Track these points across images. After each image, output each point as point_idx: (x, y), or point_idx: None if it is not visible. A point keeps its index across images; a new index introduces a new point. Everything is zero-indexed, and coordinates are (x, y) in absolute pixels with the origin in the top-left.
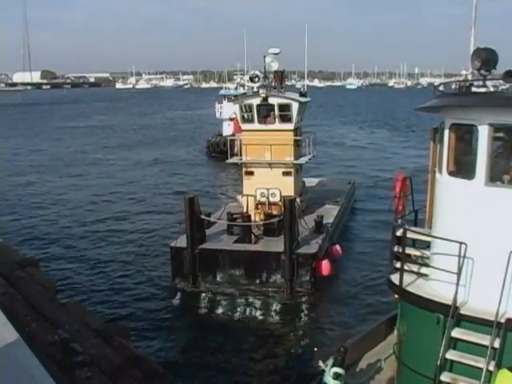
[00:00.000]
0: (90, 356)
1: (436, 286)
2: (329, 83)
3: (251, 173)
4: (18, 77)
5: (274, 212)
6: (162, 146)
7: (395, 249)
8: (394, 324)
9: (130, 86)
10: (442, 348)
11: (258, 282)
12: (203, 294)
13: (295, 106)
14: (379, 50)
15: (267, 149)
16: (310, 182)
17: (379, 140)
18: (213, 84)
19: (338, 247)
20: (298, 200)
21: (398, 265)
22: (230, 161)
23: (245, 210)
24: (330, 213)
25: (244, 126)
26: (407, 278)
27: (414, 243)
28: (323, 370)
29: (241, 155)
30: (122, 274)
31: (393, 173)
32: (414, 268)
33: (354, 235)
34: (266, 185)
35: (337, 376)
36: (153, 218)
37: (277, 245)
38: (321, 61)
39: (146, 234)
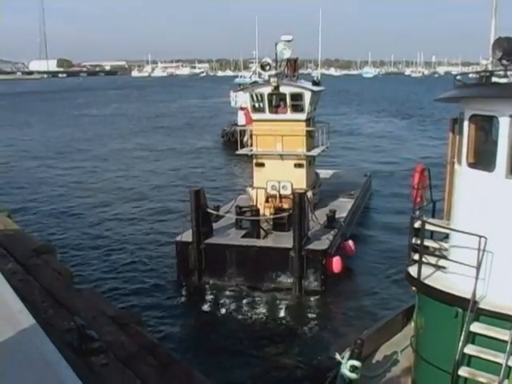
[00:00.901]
0: (105, 343)
1: (454, 279)
2: (345, 72)
3: (262, 164)
4: (35, 65)
5: (285, 205)
6: (177, 134)
7: (413, 241)
8: (411, 315)
9: (146, 74)
10: (461, 342)
11: (265, 278)
12: (209, 291)
13: (308, 96)
14: (396, 39)
15: (278, 140)
16: (325, 173)
17: (396, 129)
18: (229, 72)
19: (350, 243)
20: (309, 193)
21: (416, 257)
22: (239, 152)
23: (255, 203)
24: (343, 207)
25: (255, 116)
26: (425, 270)
27: (432, 235)
28: (339, 363)
29: (251, 146)
30: (131, 265)
31: (410, 163)
32: (432, 260)
33: (369, 230)
34: (277, 177)
35: (353, 369)
36: (165, 208)
37: (286, 240)
38: (337, 49)
39: (157, 224)
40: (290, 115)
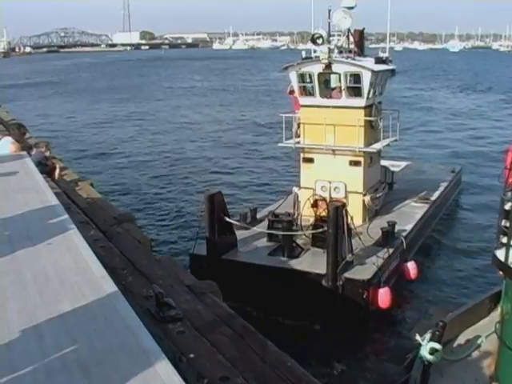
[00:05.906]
0: (182, 311)
1: None
2: (429, 46)
3: (310, 160)
4: (118, 37)
5: None
6: (251, 109)
7: (502, 223)
8: (498, 300)
9: (227, 46)
10: None
11: (291, 310)
12: None
13: (367, 76)
14: (483, 11)
15: (330, 130)
16: (402, 166)
17: (489, 109)
18: (310, 45)
19: (412, 265)
20: (367, 198)
21: (505, 240)
22: (282, 144)
23: (300, 208)
24: (411, 215)
25: (303, 101)
26: None
27: None
28: (420, 344)
29: (298, 137)
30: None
31: (504, 145)
32: None
33: (445, 247)
34: (328, 176)
35: (433, 351)
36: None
37: (324, 261)
38: (421, 23)
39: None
40: (344, 101)
